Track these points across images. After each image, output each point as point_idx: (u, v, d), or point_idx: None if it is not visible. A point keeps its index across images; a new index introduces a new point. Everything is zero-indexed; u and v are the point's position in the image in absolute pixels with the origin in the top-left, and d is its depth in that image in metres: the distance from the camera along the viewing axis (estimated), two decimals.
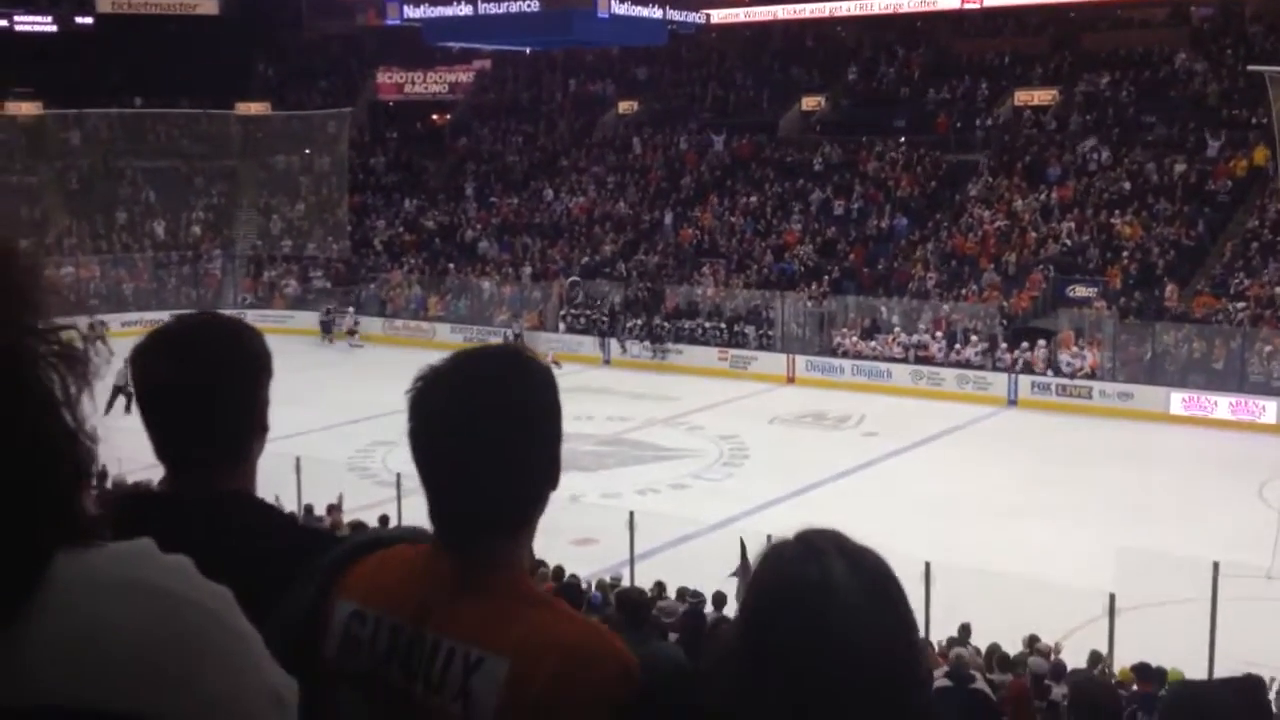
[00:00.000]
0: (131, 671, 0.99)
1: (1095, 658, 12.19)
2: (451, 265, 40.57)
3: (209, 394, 1.87)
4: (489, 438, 1.58)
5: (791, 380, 31.73)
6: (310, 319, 39.27)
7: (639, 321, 34.69)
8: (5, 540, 0.98)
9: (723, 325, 33.76)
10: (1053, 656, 11.81)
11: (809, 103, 42.44)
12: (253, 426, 1.96)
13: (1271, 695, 8.82)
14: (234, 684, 1.05)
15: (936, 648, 11.52)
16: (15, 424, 0.98)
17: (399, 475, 16.65)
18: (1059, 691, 10.46)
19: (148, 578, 1.04)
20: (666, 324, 34.15)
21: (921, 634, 1.43)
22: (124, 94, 45.68)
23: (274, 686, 1.10)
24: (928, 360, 30.58)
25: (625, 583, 13.99)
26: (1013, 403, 28.62)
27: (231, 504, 1.92)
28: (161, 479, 1.98)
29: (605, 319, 35.33)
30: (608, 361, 34.18)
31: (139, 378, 1.92)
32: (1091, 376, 28.65)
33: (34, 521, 0.99)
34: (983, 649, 11.79)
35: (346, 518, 15.21)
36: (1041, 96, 38.43)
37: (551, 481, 1.66)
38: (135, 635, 1.00)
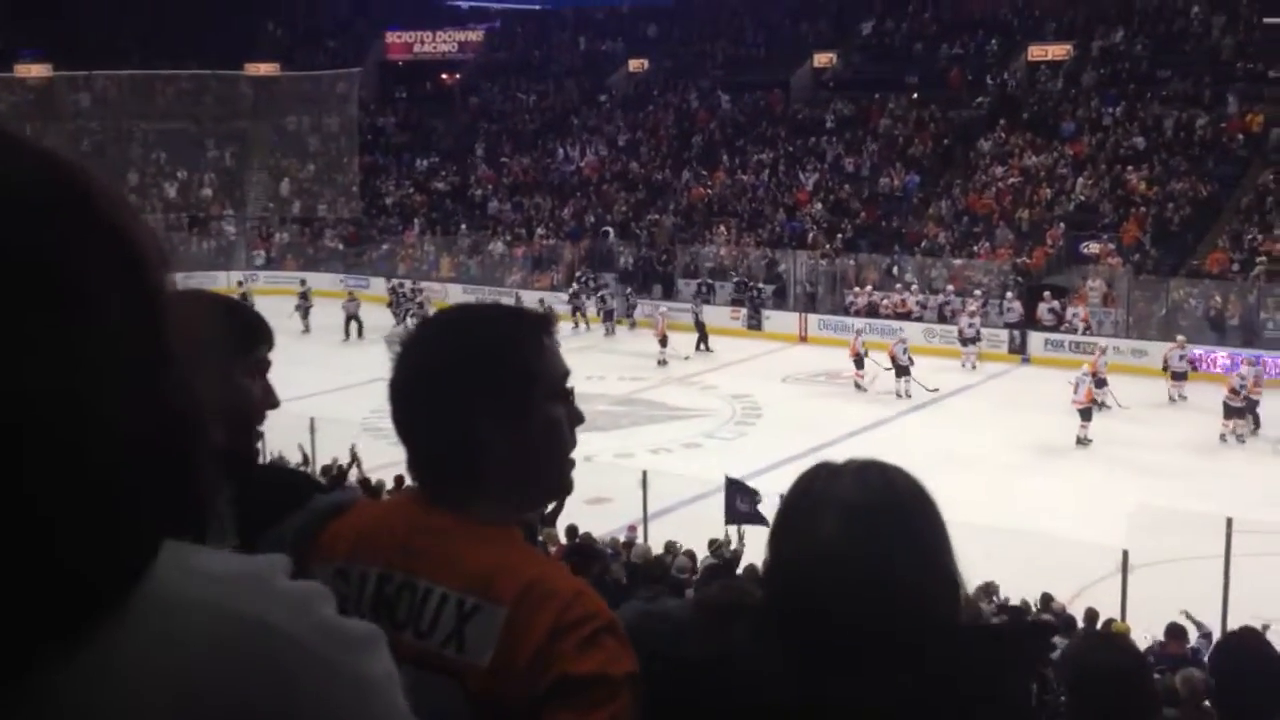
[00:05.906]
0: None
1: (1091, 615, 11.80)
2: (463, 226, 40.48)
3: None
4: (451, 385, 1.59)
5: (804, 339, 31.64)
6: (321, 280, 39.16)
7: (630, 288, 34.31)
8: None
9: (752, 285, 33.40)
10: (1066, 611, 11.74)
11: (820, 59, 42.10)
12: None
13: None
14: None
15: None
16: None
17: None
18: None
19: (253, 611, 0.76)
20: (630, 289, 33.91)
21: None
22: (133, 56, 45.49)
23: None
24: (945, 319, 30.43)
25: (639, 541, 14.06)
26: (1026, 360, 28.52)
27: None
28: None
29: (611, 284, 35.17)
30: (624, 321, 34.07)
31: None
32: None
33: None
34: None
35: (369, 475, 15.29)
36: (1055, 52, 38.05)
37: (527, 440, 1.61)
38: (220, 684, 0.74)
